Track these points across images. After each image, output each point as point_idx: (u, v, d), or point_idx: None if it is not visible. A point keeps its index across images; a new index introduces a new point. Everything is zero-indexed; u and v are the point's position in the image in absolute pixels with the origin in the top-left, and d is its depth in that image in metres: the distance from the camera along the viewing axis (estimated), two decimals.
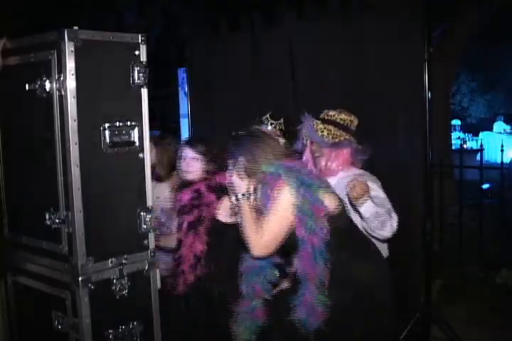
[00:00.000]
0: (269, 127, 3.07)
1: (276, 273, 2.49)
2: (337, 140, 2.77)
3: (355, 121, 2.88)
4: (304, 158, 2.69)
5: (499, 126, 14.87)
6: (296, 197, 2.22)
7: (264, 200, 2.33)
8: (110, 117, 2.10)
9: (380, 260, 2.57)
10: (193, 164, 2.87)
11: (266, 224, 2.27)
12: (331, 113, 2.86)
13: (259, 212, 2.33)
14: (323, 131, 2.78)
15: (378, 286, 2.45)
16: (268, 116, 3.08)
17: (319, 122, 2.81)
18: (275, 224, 2.27)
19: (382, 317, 2.45)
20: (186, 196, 2.85)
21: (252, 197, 2.35)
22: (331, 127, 2.78)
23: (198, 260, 2.77)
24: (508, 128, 14.77)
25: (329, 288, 2.33)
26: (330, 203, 2.28)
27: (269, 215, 2.28)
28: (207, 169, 2.87)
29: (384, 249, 2.85)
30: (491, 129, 14.87)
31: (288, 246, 2.32)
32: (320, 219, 2.22)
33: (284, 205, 2.24)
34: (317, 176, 2.39)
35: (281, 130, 3.08)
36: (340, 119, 2.83)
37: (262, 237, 2.26)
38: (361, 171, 2.81)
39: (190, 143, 2.93)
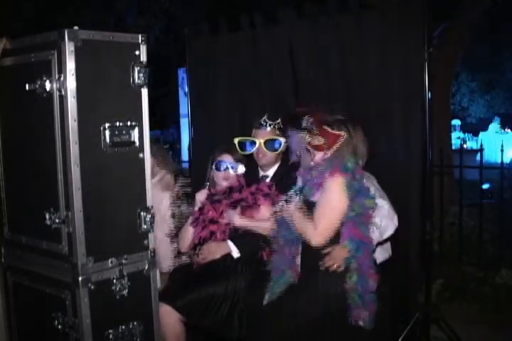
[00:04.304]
0: (268, 128, 3.09)
1: None
2: None
3: None
4: (301, 169, 2.69)
5: (494, 126, 14.89)
6: (349, 190, 2.37)
7: (313, 193, 2.46)
8: (110, 117, 2.11)
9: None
10: (231, 172, 2.98)
11: (319, 215, 2.39)
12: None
13: (308, 206, 2.46)
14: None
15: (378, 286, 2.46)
16: (265, 117, 3.10)
17: (305, 135, 2.80)
18: (328, 213, 2.38)
19: (383, 317, 2.46)
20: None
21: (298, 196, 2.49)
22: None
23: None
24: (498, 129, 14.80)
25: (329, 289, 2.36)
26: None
27: (321, 206, 2.40)
28: (240, 177, 3.00)
29: (387, 249, 2.85)
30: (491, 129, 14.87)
31: None
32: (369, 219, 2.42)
33: (338, 194, 2.37)
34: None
35: (280, 129, 3.09)
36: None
37: (317, 227, 2.38)
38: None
39: (229, 150, 3.02)
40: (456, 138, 12.71)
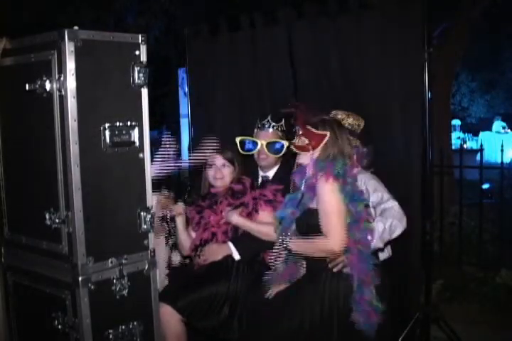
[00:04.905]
0: (271, 129, 3.08)
1: None
2: None
3: (362, 125, 2.86)
4: (295, 172, 2.68)
5: (497, 125, 14.90)
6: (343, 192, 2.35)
7: (310, 200, 2.43)
8: (110, 117, 2.11)
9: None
10: (222, 171, 2.98)
11: (326, 222, 2.35)
12: (339, 116, 2.83)
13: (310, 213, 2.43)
14: None
15: (382, 287, 2.46)
16: (269, 118, 3.09)
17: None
18: (336, 217, 2.34)
19: (383, 317, 2.45)
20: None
21: None
22: None
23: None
24: (505, 125, 14.80)
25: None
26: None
27: (323, 212, 2.36)
28: (234, 176, 2.99)
29: (387, 249, 2.85)
30: (490, 129, 14.87)
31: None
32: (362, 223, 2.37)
33: (336, 195, 2.34)
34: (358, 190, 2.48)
35: (282, 131, 3.09)
36: (348, 124, 2.81)
37: (329, 234, 2.34)
38: (367, 173, 2.82)
39: (220, 150, 3.01)
40: (456, 138, 12.70)
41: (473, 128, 16.04)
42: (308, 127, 2.48)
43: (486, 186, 5.64)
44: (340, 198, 2.34)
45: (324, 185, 2.35)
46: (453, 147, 7.40)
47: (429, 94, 2.89)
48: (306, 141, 2.46)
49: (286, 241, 2.44)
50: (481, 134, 14.14)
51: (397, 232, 2.61)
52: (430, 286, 3.13)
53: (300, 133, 2.49)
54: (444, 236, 4.67)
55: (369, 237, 2.40)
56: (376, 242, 2.51)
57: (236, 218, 2.87)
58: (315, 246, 2.38)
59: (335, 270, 2.38)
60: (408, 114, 3.05)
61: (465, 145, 12.21)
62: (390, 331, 2.56)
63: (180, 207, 3.00)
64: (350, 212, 2.36)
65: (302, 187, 2.46)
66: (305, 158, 2.48)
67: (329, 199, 2.35)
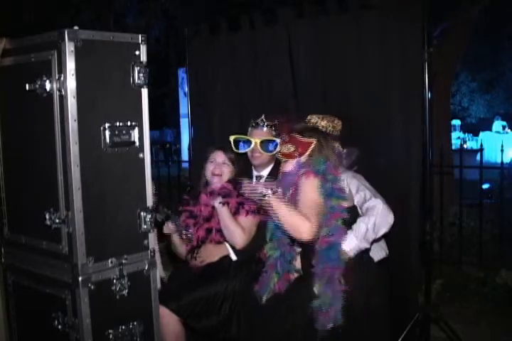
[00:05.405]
0: (265, 128, 3.08)
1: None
2: None
3: (339, 126, 2.86)
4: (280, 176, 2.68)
5: (497, 125, 14.93)
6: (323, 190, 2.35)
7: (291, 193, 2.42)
8: (110, 117, 2.11)
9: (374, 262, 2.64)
10: (221, 168, 2.96)
11: (306, 211, 2.32)
12: (313, 120, 2.86)
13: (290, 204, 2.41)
14: None
15: (377, 287, 2.46)
16: (263, 117, 3.10)
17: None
18: (313, 209, 2.32)
19: (382, 317, 2.46)
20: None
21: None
22: None
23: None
24: (505, 124, 14.85)
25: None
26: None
27: (301, 203, 2.34)
28: (232, 176, 2.97)
29: (383, 248, 2.85)
30: (490, 129, 14.90)
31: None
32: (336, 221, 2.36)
33: (315, 191, 2.34)
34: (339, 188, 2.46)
35: (276, 130, 3.09)
36: (322, 126, 2.82)
37: (308, 223, 2.30)
38: (349, 172, 2.82)
39: (223, 148, 3.01)
40: (456, 138, 12.71)
41: (473, 128, 16.07)
42: (295, 134, 2.49)
43: (486, 186, 5.65)
44: (319, 193, 2.35)
45: (305, 181, 2.37)
46: (453, 147, 7.40)
47: (429, 94, 2.89)
48: (293, 149, 2.47)
49: (269, 195, 2.34)
50: (481, 134, 14.16)
51: (383, 230, 2.61)
52: (430, 286, 3.13)
53: (286, 140, 2.50)
54: (444, 236, 4.67)
55: (339, 235, 2.38)
56: (360, 243, 2.52)
57: (218, 205, 2.84)
58: (293, 219, 2.31)
59: None
60: (408, 114, 3.04)
61: (465, 145, 12.24)
62: (390, 331, 2.57)
63: (169, 227, 2.96)
64: (325, 208, 2.36)
65: (288, 193, 2.46)
66: (290, 166, 2.48)
67: (308, 192, 2.36)
